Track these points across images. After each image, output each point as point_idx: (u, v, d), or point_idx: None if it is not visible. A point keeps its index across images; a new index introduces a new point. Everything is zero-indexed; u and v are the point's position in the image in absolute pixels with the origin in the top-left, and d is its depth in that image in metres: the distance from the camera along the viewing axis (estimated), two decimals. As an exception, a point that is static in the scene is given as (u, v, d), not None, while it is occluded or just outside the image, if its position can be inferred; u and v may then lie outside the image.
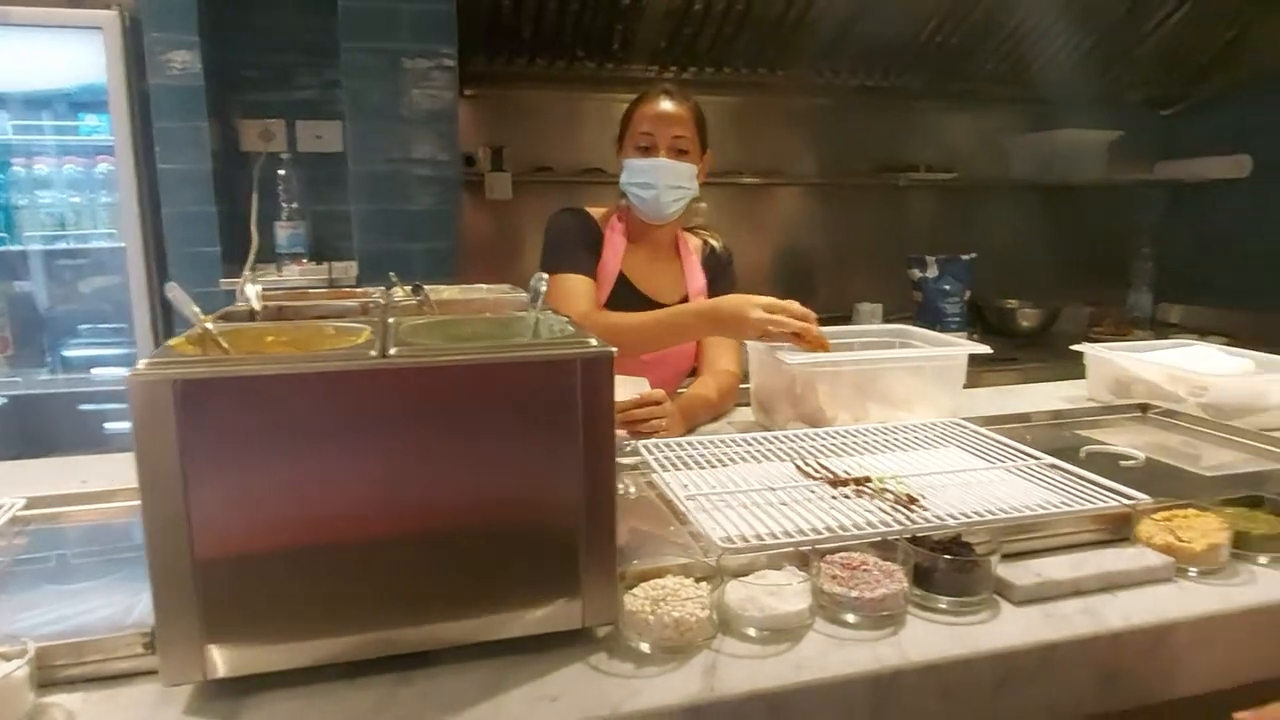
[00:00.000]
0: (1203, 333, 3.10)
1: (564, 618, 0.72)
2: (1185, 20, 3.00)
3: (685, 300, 1.68)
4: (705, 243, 1.79)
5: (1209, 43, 3.20)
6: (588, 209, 1.71)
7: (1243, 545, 0.93)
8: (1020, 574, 0.84)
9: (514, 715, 0.64)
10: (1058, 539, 0.93)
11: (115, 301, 2.58)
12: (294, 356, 0.66)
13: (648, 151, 1.60)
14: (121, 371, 2.72)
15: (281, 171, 2.40)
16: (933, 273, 2.85)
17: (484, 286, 1.16)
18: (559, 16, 2.48)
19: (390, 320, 0.81)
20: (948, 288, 2.85)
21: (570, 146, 2.84)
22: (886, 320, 3.01)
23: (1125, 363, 1.57)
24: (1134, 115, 3.55)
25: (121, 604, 0.77)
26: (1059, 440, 1.32)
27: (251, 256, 2.35)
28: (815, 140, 3.22)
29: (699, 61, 2.85)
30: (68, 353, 2.68)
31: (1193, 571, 0.89)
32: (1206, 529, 0.91)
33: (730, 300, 1.39)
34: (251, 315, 0.93)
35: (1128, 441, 1.32)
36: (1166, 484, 1.13)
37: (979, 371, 2.67)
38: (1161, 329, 3.46)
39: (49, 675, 0.67)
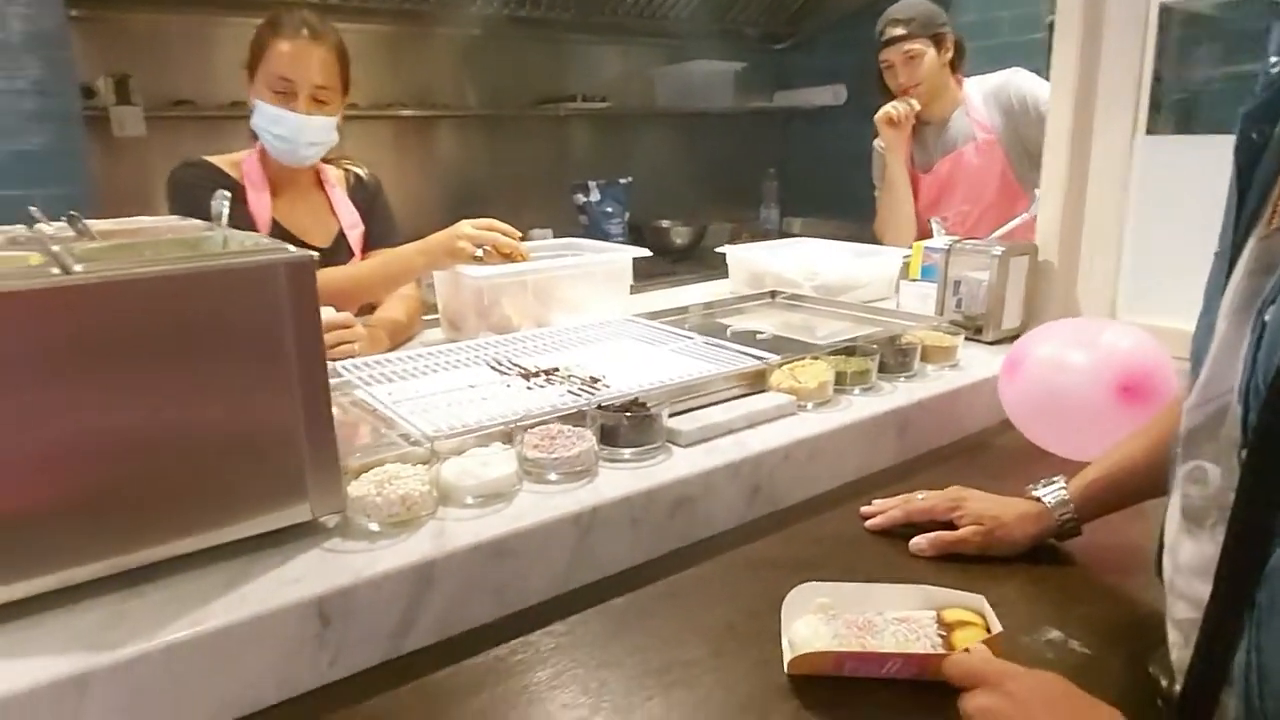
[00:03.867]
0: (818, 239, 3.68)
1: (292, 513, 0.76)
2: (784, -35, 3.45)
3: (341, 237, 1.66)
4: (348, 172, 1.74)
5: (803, -14, 3.72)
6: (211, 160, 1.58)
7: (841, 382, 1.20)
8: (686, 423, 1.03)
9: (259, 600, 0.68)
10: (716, 395, 1.13)
11: None
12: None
13: (284, 98, 1.50)
14: None
15: None
16: (595, 196, 3.06)
17: (146, 218, 1.10)
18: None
19: (56, 248, 0.77)
20: (610, 209, 3.09)
21: (210, 77, 2.60)
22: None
23: (757, 258, 1.86)
24: (754, 50, 4.02)
25: None
26: (710, 326, 1.56)
27: None
28: (473, 72, 3.26)
29: (348, -13, 2.75)
30: None
31: (809, 405, 1.14)
32: (817, 372, 1.16)
33: (442, 233, 1.45)
34: None
35: (762, 322, 1.59)
36: (790, 346, 1.40)
37: (642, 284, 2.95)
38: (788, 239, 4.03)
39: None
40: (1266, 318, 0.54)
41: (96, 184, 2.21)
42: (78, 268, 0.65)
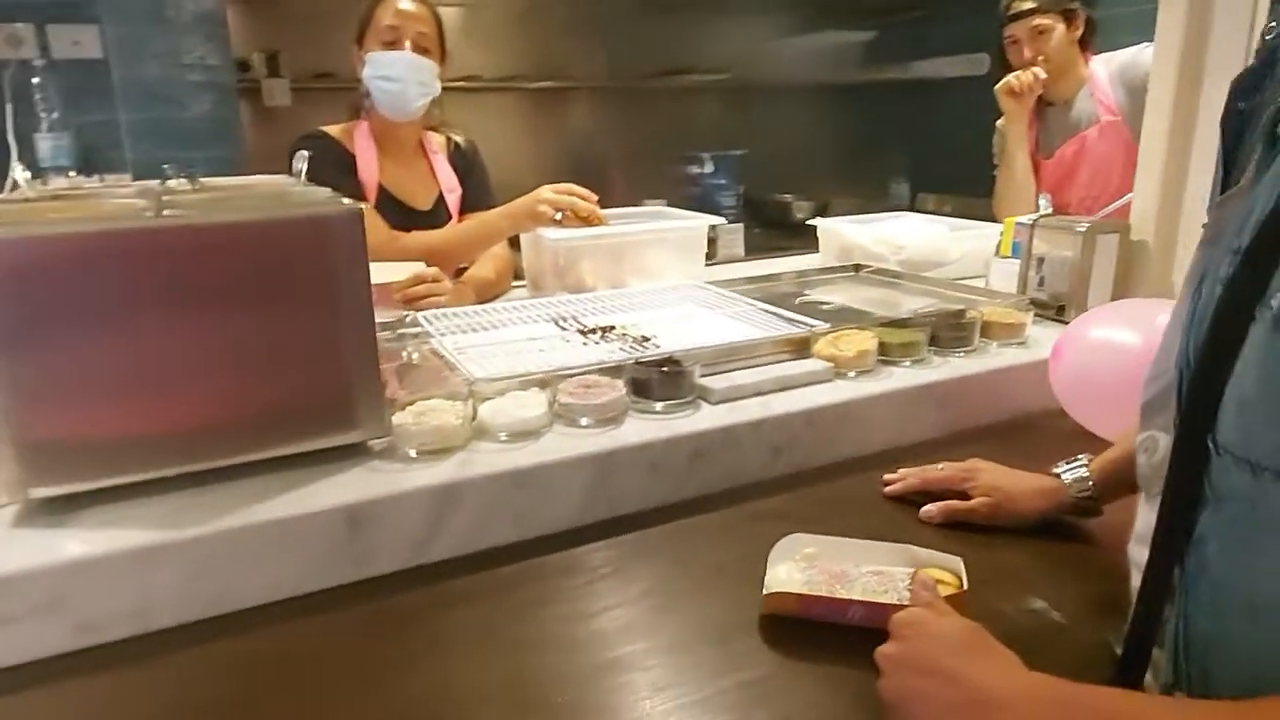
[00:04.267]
0: (954, 218, 3.55)
1: (342, 436, 0.88)
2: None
3: (440, 200, 1.78)
4: (449, 139, 1.86)
5: (940, -48, 3.57)
6: (326, 130, 1.73)
7: (887, 353, 1.21)
8: (717, 382, 1.08)
9: (300, 500, 0.80)
10: (759, 360, 1.17)
11: None
12: (78, 219, 0.77)
13: (392, 45, 1.64)
14: None
15: (36, 80, 2.27)
16: (708, 168, 3.11)
17: (259, 176, 1.26)
18: (328, -85, 2.45)
19: (166, 198, 0.91)
20: (722, 181, 3.13)
21: (350, 52, 2.82)
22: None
23: (845, 230, 1.87)
24: (887, 18, 3.90)
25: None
26: (780, 295, 1.59)
27: (11, 170, 2.23)
28: (596, 45, 3.35)
29: (479, -37, 2.90)
30: None
31: (852, 374, 1.17)
32: (858, 342, 1.18)
33: (524, 198, 1.55)
34: (27, 201, 0.99)
35: (841, 296, 1.61)
36: (850, 318, 1.41)
37: (754, 256, 2.98)
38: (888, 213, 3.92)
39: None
40: (1205, 288, 0.55)
41: (247, 148, 2.46)
42: (165, 213, 0.78)
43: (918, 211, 3.97)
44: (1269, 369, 0.47)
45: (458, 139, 1.88)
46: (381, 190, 1.71)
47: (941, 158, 3.99)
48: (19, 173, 0.94)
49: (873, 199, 3.97)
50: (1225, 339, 0.50)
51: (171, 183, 1.12)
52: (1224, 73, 1.36)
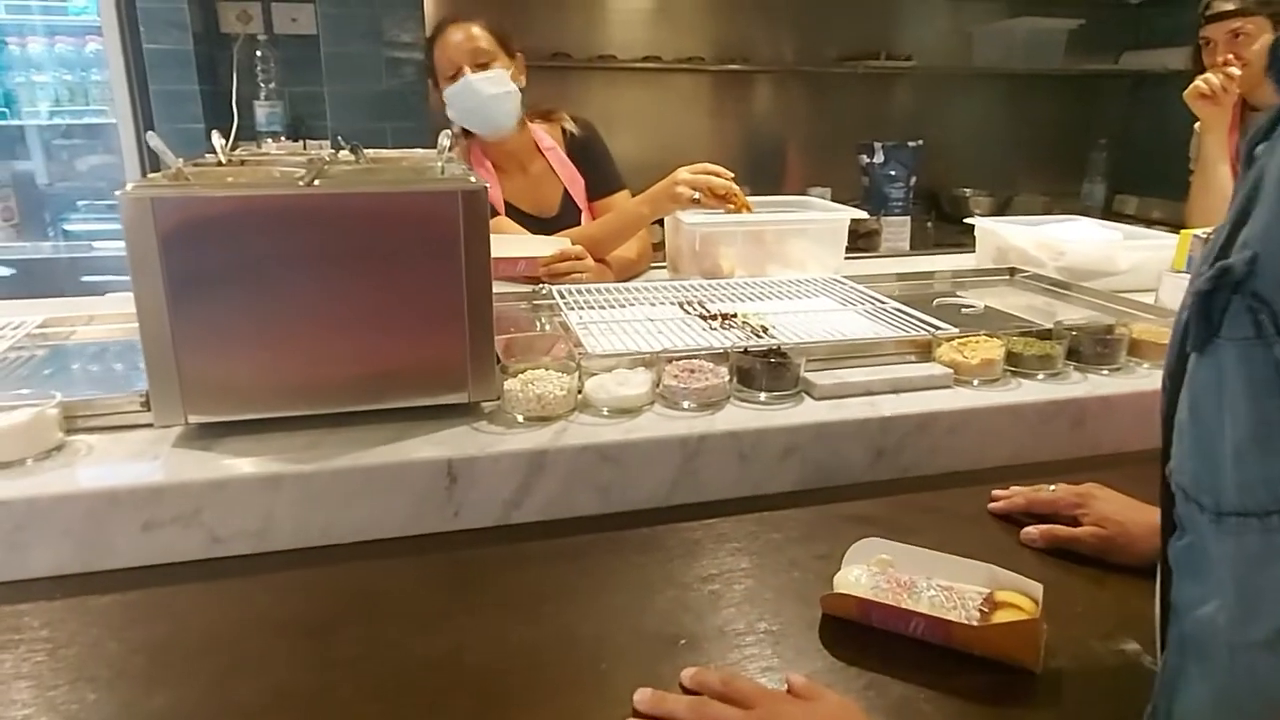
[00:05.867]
0: (1151, 223, 3.26)
1: (454, 395, 0.95)
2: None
3: (567, 197, 1.82)
4: (563, 130, 1.88)
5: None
6: None
7: (1019, 364, 1.15)
8: (824, 378, 1.07)
9: (407, 449, 0.88)
10: (874, 359, 1.15)
11: (111, 179, 2.76)
12: (240, 184, 0.87)
13: (456, 77, 1.71)
14: (121, 243, 2.93)
15: (259, 53, 2.54)
16: (879, 159, 3.00)
17: (419, 150, 1.36)
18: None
19: (325, 167, 1.01)
20: (893, 173, 3.01)
21: (543, 30, 2.95)
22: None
23: (1003, 231, 1.77)
24: (1099, 5, 3.61)
25: (121, 383, 1.01)
26: (922, 295, 1.54)
27: (232, 133, 2.51)
28: (786, 29, 3.31)
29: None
30: (69, 227, 2.88)
31: (975, 382, 1.12)
32: (986, 349, 1.13)
33: (662, 182, 1.58)
34: (219, 165, 1.13)
35: (992, 299, 1.53)
36: (988, 324, 1.35)
37: (919, 251, 2.88)
38: (1116, 220, 3.62)
39: (72, 424, 0.91)
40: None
41: (435, 120, 2.63)
42: (316, 182, 0.87)
43: (1116, 214, 3.72)
44: (1194, 395, 0.48)
45: (571, 127, 1.89)
46: (508, 207, 1.79)
47: (1145, 157, 3.66)
48: (216, 139, 1.07)
49: (1063, 197, 3.70)
50: (1176, 371, 0.50)
51: (341, 154, 1.24)
52: None
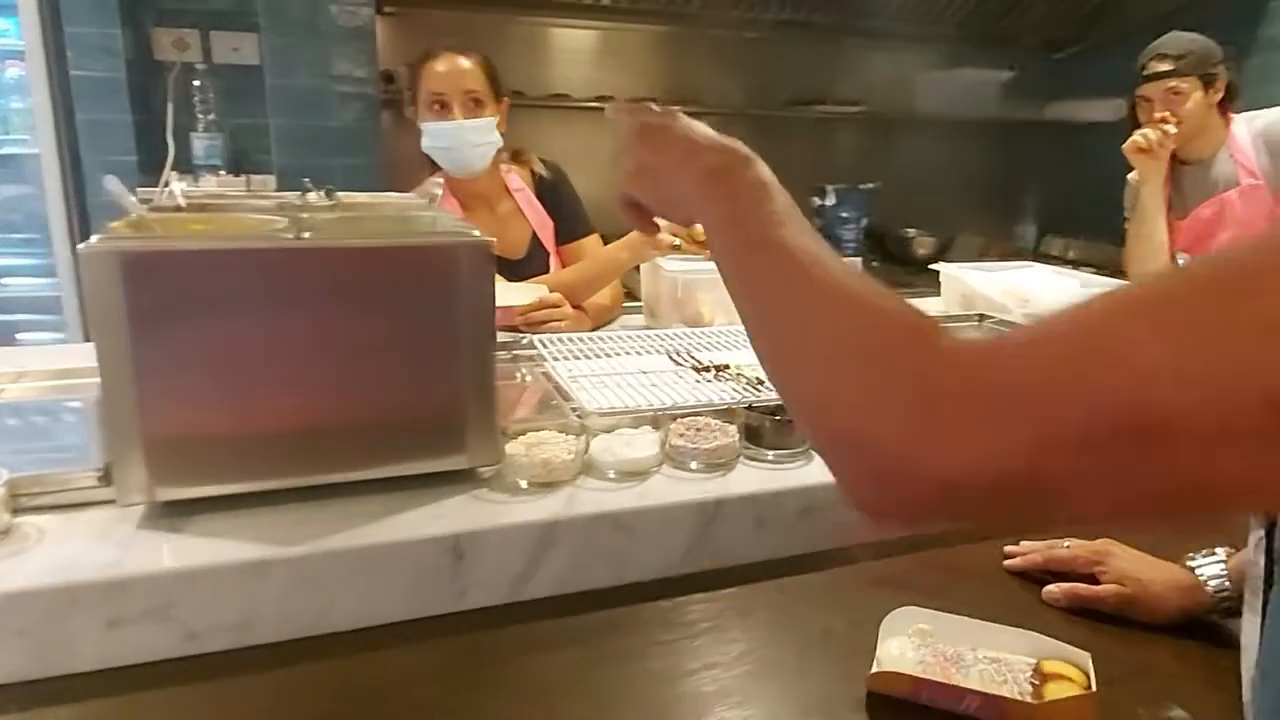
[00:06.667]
0: (1078, 264, 3.38)
1: (452, 461, 0.88)
2: (1072, -33, 3.20)
3: (535, 240, 1.76)
4: (532, 171, 1.83)
5: (1095, -10, 3.42)
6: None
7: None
8: (833, 434, 1.04)
9: (408, 525, 0.81)
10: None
11: (27, 211, 2.58)
12: (222, 235, 0.80)
13: (442, 110, 1.63)
14: (36, 281, 2.74)
15: (197, 82, 2.42)
16: (831, 200, 3.04)
17: (394, 195, 1.29)
18: (478, -64, 2.53)
19: (304, 215, 0.94)
20: (845, 215, 3.05)
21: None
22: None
23: (969, 279, 1.78)
24: (1030, 57, 3.76)
25: (70, 454, 0.91)
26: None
27: (168, 166, 2.38)
28: (734, 72, 3.34)
29: (630, -11, 2.93)
30: (-23, 264, 2.68)
31: (976, 437, 1.10)
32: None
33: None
34: (177, 210, 1.04)
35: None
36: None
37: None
38: (1044, 260, 3.75)
39: (18, 504, 0.80)
40: None
41: (387, 157, 2.55)
42: (305, 234, 0.80)
43: (1043, 253, 3.85)
44: None
45: (540, 169, 1.84)
46: None
47: (1072, 201, 3.81)
48: (174, 181, 0.98)
49: (997, 238, 3.82)
50: None
51: (310, 196, 1.16)
52: None
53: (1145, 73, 2.05)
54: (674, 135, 0.61)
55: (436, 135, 1.64)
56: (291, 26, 2.30)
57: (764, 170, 0.57)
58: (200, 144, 2.42)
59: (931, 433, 0.36)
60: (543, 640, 0.79)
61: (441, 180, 1.01)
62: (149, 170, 2.37)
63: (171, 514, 0.81)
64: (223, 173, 2.43)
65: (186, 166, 2.42)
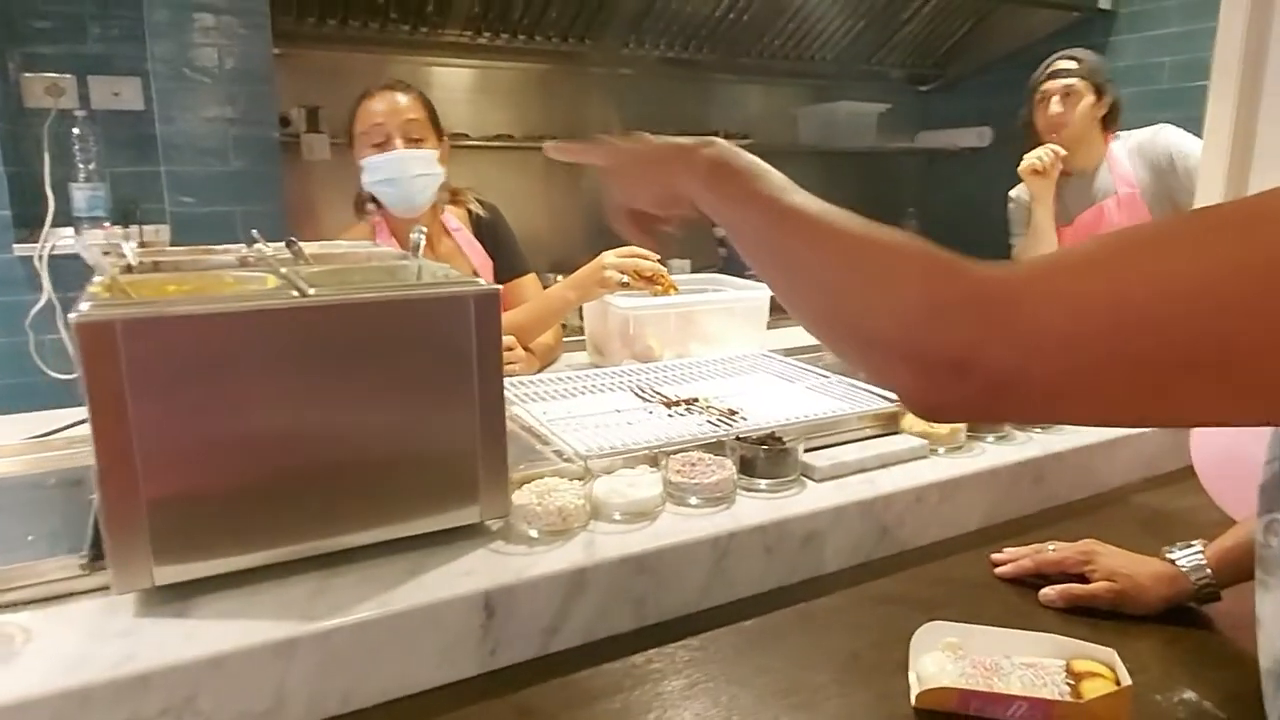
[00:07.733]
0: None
1: (465, 514, 0.86)
2: (934, 10, 3.46)
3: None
4: (469, 211, 1.82)
5: (954, 29, 3.70)
6: (341, 240, 1.68)
7: (975, 429, 1.21)
8: (820, 459, 1.07)
9: (436, 587, 0.78)
10: (848, 434, 1.17)
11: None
12: (224, 297, 0.75)
13: (383, 146, 1.61)
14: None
15: (76, 130, 2.26)
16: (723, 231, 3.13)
17: (342, 242, 1.25)
18: (371, -22, 2.49)
19: (284, 270, 0.89)
20: (746, 244, 3.15)
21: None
22: (695, 274, 3.28)
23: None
24: (899, 91, 4.02)
25: (48, 537, 0.83)
26: (844, 366, 1.59)
27: (48, 220, 2.21)
28: (620, 107, 3.41)
29: (511, 29, 2.95)
30: None
31: (941, 450, 1.16)
32: (951, 418, 1.18)
33: (588, 266, 1.55)
34: (128, 269, 0.97)
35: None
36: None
37: (781, 319, 2.99)
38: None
39: (-9, 601, 0.73)
40: None
41: (288, 201, 2.45)
42: (311, 291, 0.76)
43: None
44: None
45: (475, 209, 1.82)
46: None
47: (948, 224, 4.07)
48: (125, 246, 0.92)
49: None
50: None
51: (264, 248, 1.10)
52: (1273, 157, 1.40)
53: (1050, 69, 2.27)
54: (658, 146, 0.69)
55: (376, 168, 1.60)
56: (182, 70, 2.19)
57: (746, 153, 0.64)
58: (81, 195, 2.26)
59: (983, 337, 0.43)
60: (588, 692, 0.78)
61: (421, 228, 0.98)
62: (27, 224, 2.19)
63: (171, 598, 0.75)
64: (108, 224, 2.28)
65: (66, 219, 2.25)
